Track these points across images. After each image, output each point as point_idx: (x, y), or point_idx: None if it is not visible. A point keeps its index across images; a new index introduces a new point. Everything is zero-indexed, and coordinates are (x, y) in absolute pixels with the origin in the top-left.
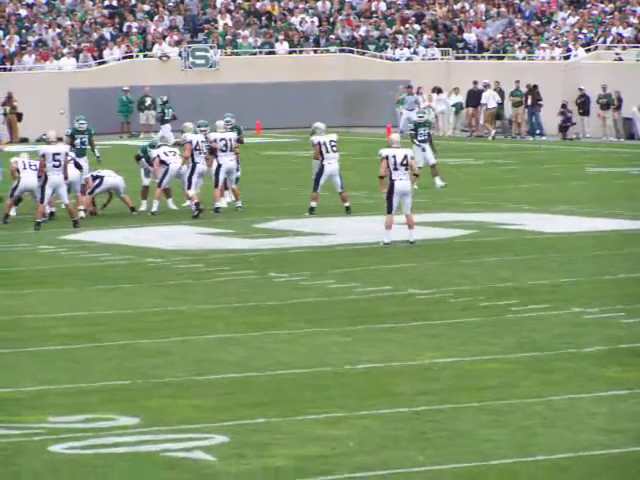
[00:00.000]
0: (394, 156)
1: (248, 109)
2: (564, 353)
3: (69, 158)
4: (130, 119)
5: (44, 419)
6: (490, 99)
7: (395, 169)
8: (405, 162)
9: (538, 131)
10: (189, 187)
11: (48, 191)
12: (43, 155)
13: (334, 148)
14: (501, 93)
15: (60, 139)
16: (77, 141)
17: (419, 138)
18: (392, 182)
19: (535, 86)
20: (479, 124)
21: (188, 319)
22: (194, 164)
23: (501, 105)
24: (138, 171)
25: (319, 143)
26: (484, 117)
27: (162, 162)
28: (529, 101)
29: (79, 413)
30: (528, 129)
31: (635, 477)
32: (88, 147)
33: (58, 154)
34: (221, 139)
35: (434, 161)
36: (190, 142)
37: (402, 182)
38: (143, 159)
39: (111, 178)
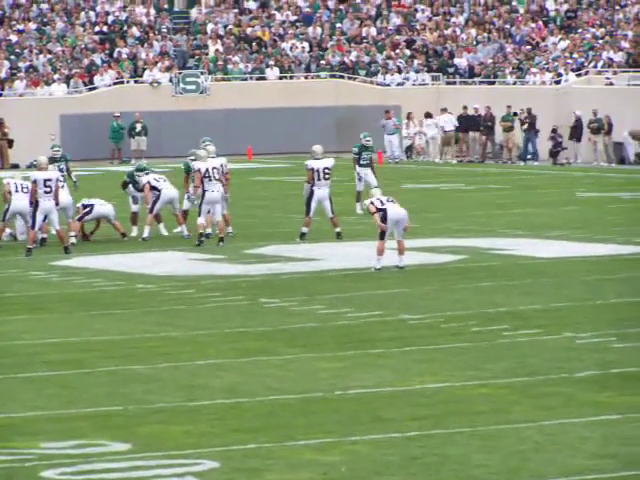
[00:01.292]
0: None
1: (239, 135)
2: (556, 378)
3: (60, 184)
4: (121, 145)
5: (35, 445)
6: (448, 123)
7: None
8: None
9: (529, 156)
10: (199, 214)
11: (39, 217)
12: (34, 181)
13: (326, 176)
14: (492, 118)
15: (54, 159)
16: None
17: (361, 162)
18: (384, 210)
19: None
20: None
21: (179, 345)
22: (204, 192)
23: (458, 129)
24: (127, 198)
25: (312, 169)
26: (440, 141)
27: (153, 188)
28: (525, 126)
29: (70, 439)
30: (519, 154)
31: None
32: (65, 174)
33: (49, 180)
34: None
35: (376, 183)
36: (199, 170)
37: (395, 209)
38: (130, 185)
39: (102, 207)
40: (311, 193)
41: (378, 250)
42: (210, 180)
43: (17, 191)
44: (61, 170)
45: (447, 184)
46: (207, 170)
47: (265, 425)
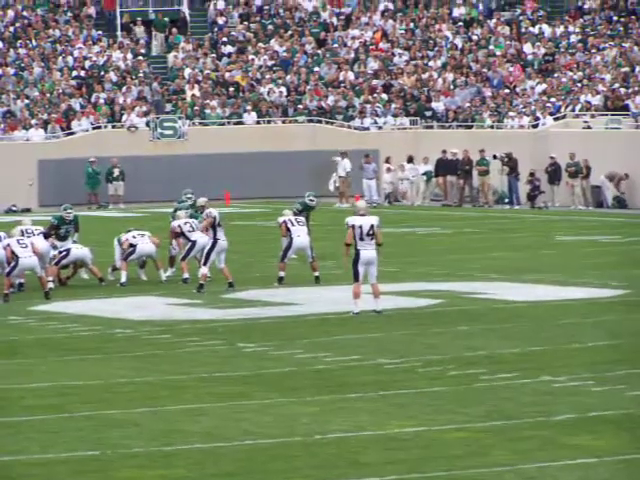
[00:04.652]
0: (360, 226)
1: (216, 180)
2: (533, 421)
3: (36, 232)
4: (97, 191)
5: None
6: (348, 167)
7: (361, 239)
8: (371, 232)
9: (507, 200)
10: (205, 263)
11: (17, 270)
12: (8, 245)
13: (300, 223)
14: (469, 162)
15: (65, 221)
16: (62, 230)
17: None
18: (357, 251)
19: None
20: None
21: (156, 390)
22: (215, 240)
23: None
24: (111, 245)
25: (284, 222)
26: (341, 186)
27: (131, 245)
28: (505, 170)
29: None
30: (496, 198)
31: None
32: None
33: (21, 238)
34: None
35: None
36: (215, 217)
37: (367, 252)
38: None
39: (78, 250)
40: (290, 241)
41: (354, 293)
42: (221, 228)
43: None
44: (67, 231)
45: (425, 228)
46: (215, 218)
47: (243, 470)
